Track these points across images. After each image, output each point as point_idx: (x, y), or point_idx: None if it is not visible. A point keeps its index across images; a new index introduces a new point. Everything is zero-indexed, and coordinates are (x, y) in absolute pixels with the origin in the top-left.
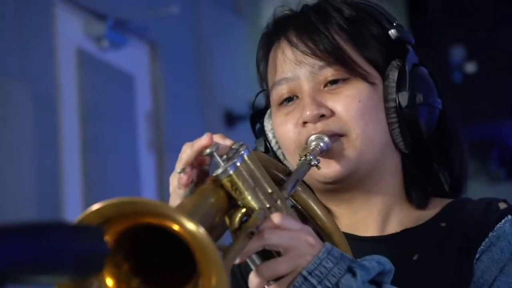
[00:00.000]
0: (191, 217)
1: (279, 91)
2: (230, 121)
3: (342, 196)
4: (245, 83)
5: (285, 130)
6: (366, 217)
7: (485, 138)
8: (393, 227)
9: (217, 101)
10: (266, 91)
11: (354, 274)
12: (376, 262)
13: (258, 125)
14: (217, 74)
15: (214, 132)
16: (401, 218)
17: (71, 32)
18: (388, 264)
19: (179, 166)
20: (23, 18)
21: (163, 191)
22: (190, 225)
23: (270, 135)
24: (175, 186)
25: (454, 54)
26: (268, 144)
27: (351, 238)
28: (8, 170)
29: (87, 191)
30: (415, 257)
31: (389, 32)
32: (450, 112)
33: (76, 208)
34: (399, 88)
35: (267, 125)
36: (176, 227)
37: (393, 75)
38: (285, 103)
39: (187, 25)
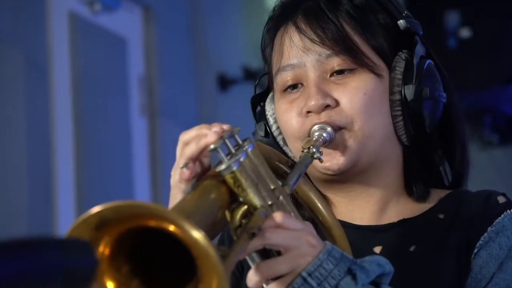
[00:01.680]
0: (193, 222)
1: (284, 78)
2: (223, 85)
3: (340, 185)
4: (239, 47)
5: (288, 118)
6: (363, 205)
7: (479, 104)
8: (390, 217)
9: (210, 65)
10: (269, 74)
11: (354, 277)
12: (376, 265)
13: (258, 108)
14: (210, 38)
15: (207, 96)
16: (399, 209)
17: None
18: (388, 266)
19: (181, 160)
20: None
21: (155, 156)
22: (193, 232)
23: (271, 120)
24: (177, 180)
25: (449, 19)
26: (268, 129)
27: (347, 226)
28: None
29: (79, 156)
30: (411, 249)
31: (398, 22)
32: (454, 105)
33: (68, 172)
34: (406, 81)
35: (269, 109)
36: (177, 232)
37: (400, 67)
38: (289, 90)
39: None
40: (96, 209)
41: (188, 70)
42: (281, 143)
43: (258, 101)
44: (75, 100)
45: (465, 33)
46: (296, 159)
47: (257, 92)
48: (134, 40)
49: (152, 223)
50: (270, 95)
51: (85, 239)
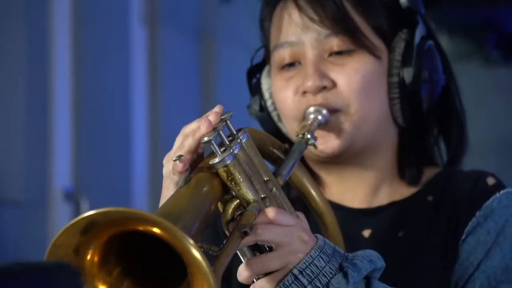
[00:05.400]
0: (184, 226)
1: (282, 55)
2: None
3: (334, 166)
4: None
5: (284, 96)
6: (355, 187)
7: (483, 20)
8: (381, 199)
9: None
10: (266, 47)
11: (345, 275)
12: (368, 261)
13: (254, 80)
14: None
15: (209, 5)
16: (390, 191)
17: None
18: (379, 262)
19: (178, 152)
20: None
21: (155, 67)
22: (185, 242)
23: (266, 95)
24: (169, 171)
25: None
26: (263, 104)
27: (338, 208)
28: None
29: (77, 65)
30: (400, 234)
31: (400, 0)
32: (453, 86)
33: (65, 81)
34: (405, 63)
35: (265, 83)
36: (170, 240)
37: (400, 48)
38: (286, 67)
39: None
40: (85, 214)
41: None
42: (275, 118)
43: (254, 73)
44: (74, 4)
45: None
46: (290, 137)
47: (253, 64)
48: None
49: (143, 228)
50: (267, 68)
51: (69, 263)
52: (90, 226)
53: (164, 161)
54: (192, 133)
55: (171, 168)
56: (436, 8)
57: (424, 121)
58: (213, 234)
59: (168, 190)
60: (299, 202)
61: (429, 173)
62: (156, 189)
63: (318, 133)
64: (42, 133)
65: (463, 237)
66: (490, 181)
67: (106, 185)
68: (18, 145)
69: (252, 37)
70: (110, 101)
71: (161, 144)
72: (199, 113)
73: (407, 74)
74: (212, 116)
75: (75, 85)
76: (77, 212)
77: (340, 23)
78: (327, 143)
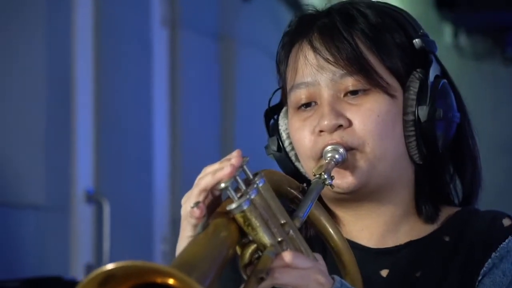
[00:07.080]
0: (200, 275)
1: (298, 95)
2: None
3: (350, 204)
4: None
5: (301, 136)
6: (372, 225)
7: (502, 22)
8: (398, 238)
9: None
10: (283, 89)
11: None
12: None
13: (272, 121)
14: None
15: (229, 6)
16: (407, 230)
17: None
18: None
19: (195, 190)
20: None
21: (175, 70)
22: None
23: (284, 135)
24: (187, 213)
25: None
26: (281, 144)
27: (355, 247)
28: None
29: (99, 67)
30: (417, 274)
31: (414, 41)
32: (467, 124)
33: (87, 82)
34: (420, 101)
35: (282, 123)
36: None
37: (414, 87)
38: (303, 108)
39: None
40: (103, 268)
41: None
42: (293, 158)
43: (271, 115)
44: (96, 8)
45: None
46: (308, 176)
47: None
48: None
49: (160, 280)
50: (284, 109)
51: None
52: (108, 279)
53: (183, 201)
54: (212, 173)
55: (189, 208)
56: (457, 11)
57: (439, 159)
58: (232, 270)
59: (185, 231)
60: (317, 240)
61: (446, 212)
62: (176, 190)
63: (334, 170)
64: (64, 135)
65: (479, 278)
66: (506, 222)
67: (128, 187)
68: (39, 147)
69: (271, 38)
70: (131, 103)
71: (181, 145)
72: (219, 114)
73: (422, 112)
74: (235, 160)
75: (96, 86)
76: (99, 214)
77: (354, 64)
78: (343, 179)
